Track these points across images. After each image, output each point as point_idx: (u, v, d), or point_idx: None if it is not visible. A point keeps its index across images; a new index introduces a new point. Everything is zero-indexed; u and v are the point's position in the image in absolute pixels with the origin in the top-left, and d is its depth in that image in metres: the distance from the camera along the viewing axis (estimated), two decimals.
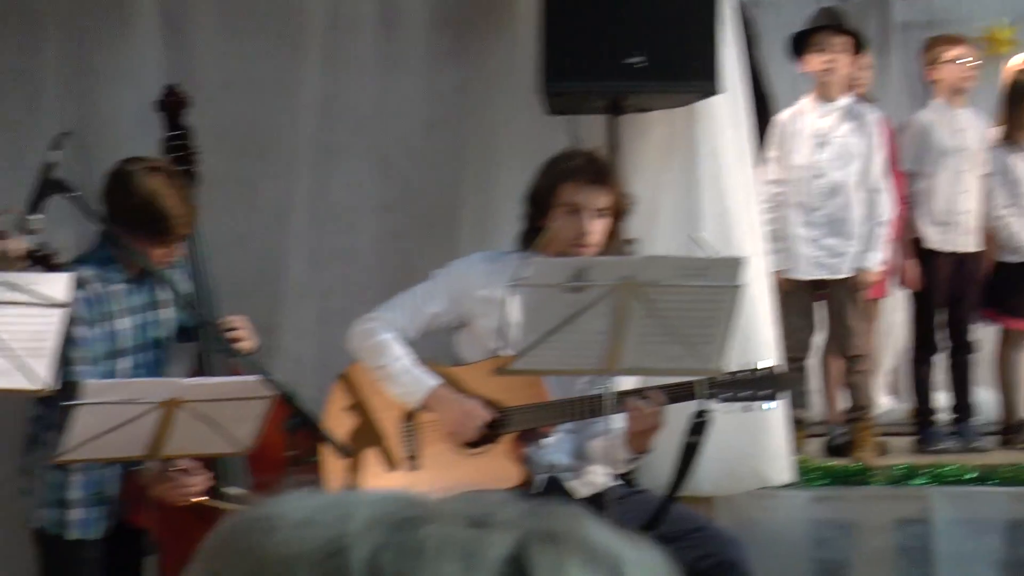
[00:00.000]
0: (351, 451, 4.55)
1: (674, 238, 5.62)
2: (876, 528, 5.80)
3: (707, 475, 5.54)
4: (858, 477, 5.97)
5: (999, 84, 7.44)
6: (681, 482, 4.45)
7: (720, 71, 5.56)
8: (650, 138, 5.85)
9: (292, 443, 4.28)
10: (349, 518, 1.16)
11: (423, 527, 1.16)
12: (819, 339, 6.95)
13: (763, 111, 6.74)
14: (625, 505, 4.42)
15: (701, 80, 5.54)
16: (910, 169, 7.07)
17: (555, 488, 4.57)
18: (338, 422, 4.73)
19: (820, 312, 6.80)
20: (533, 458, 4.57)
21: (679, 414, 4.45)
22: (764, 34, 7.98)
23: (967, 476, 5.90)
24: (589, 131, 5.75)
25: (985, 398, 7.56)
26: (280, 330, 6.02)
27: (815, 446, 6.83)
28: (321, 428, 4.36)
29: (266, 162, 6.18)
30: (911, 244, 7.07)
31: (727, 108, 5.78)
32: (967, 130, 7.08)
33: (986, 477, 5.90)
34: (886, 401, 8.71)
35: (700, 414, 4.34)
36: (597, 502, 4.38)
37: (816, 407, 7.36)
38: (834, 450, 6.78)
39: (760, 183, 6.31)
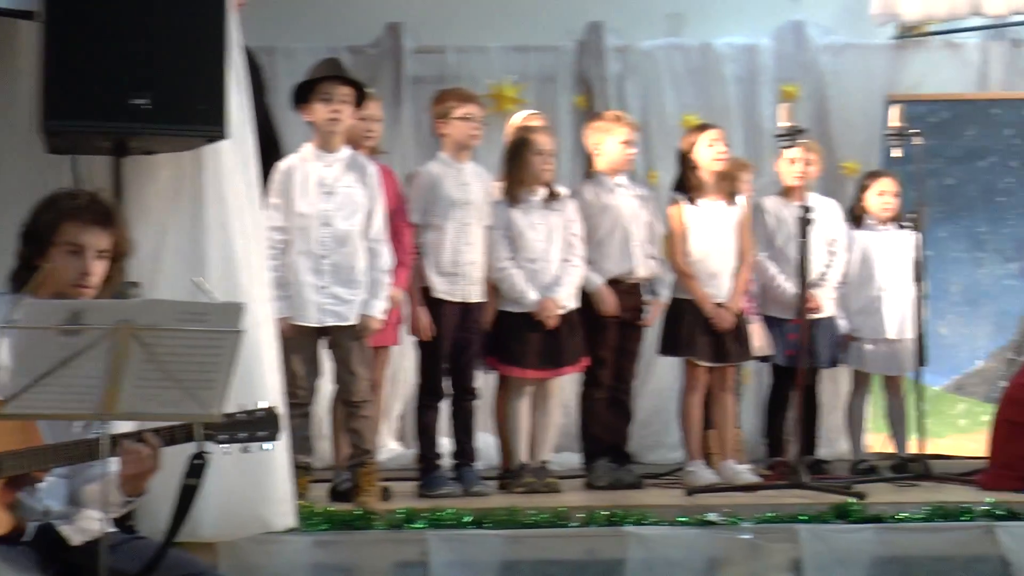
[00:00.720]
0: None
1: (179, 282, 5.55)
2: (375, 572, 5.87)
3: (209, 520, 5.50)
4: (360, 522, 6.04)
5: (503, 140, 7.73)
6: (178, 526, 4.39)
7: (227, 116, 5.55)
8: (156, 181, 5.78)
9: None
10: None
11: None
12: (325, 385, 7.02)
13: (273, 157, 6.77)
14: (120, 551, 4.33)
15: (208, 124, 5.51)
16: (418, 220, 7.23)
17: (48, 535, 4.43)
18: None
19: (326, 358, 6.87)
20: (26, 504, 4.42)
21: (179, 456, 4.39)
22: (276, 81, 8.04)
23: (464, 520, 6.04)
24: (92, 171, 5.65)
25: (486, 443, 7.80)
26: None
27: (321, 491, 6.88)
28: None
29: None
30: (420, 293, 7.23)
31: (234, 153, 5.77)
32: (472, 184, 7.30)
33: (482, 520, 6.06)
34: (393, 446, 8.88)
35: (198, 456, 4.29)
36: (91, 549, 4.28)
37: (322, 452, 7.43)
38: (339, 495, 6.85)
39: (267, 229, 6.33)
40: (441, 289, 7.23)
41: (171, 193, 5.79)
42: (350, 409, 6.76)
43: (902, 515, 6.31)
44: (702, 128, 7.83)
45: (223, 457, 4.39)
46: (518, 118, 7.90)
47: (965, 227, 9.73)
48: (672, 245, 7.71)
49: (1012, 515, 6.30)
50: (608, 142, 7.66)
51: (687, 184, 7.73)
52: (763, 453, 8.44)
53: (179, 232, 5.75)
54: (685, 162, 7.75)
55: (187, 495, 4.33)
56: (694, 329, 7.63)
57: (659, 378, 9.09)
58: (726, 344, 7.66)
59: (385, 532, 5.99)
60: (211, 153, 5.73)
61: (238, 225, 5.80)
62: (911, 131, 8.02)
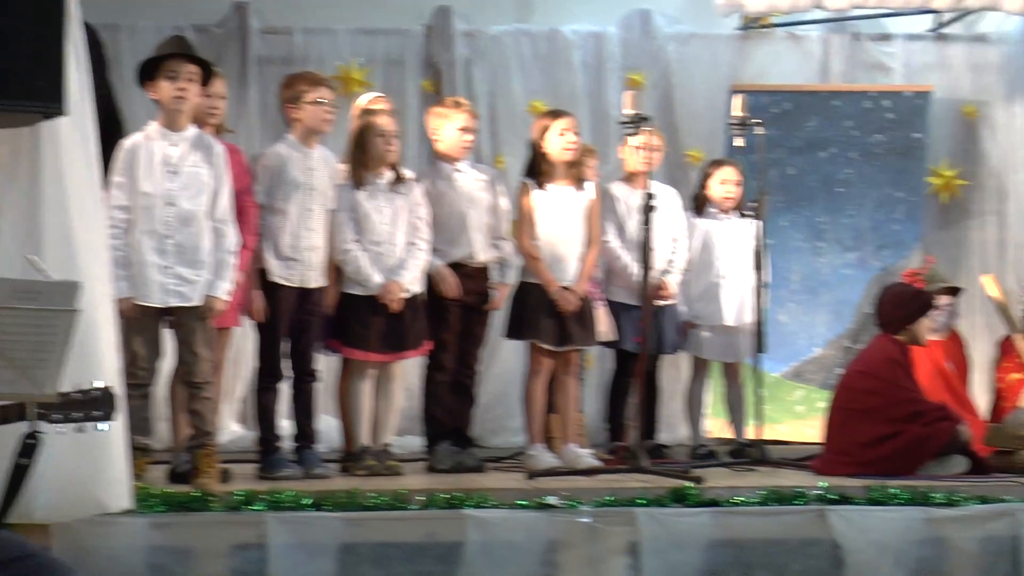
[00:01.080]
0: None
1: (14, 260, 5.46)
2: (213, 554, 5.83)
3: (42, 501, 5.43)
4: (198, 504, 5.99)
5: (348, 123, 7.71)
6: (9, 507, 4.33)
7: (66, 92, 5.47)
8: None
9: None
10: None
11: None
12: (166, 366, 6.95)
13: (115, 135, 6.69)
14: None
15: (45, 100, 5.41)
16: (263, 202, 7.18)
17: None
18: None
19: (168, 339, 6.81)
20: None
21: (12, 436, 4.33)
22: (119, 58, 7.94)
23: (304, 502, 6.02)
24: None
25: (328, 426, 7.79)
26: None
27: (159, 473, 6.82)
28: None
29: None
30: (257, 275, 7.19)
31: (74, 130, 5.69)
32: (318, 169, 7.27)
33: (322, 502, 6.05)
34: (234, 428, 8.84)
35: (31, 435, 4.23)
36: None
37: (161, 434, 7.36)
38: (178, 477, 6.80)
39: (108, 207, 6.26)
40: (278, 273, 7.19)
41: (7, 170, 5.70)
42: (192, 390, 6.71)
43: (738, 499, 6.40)
44: (555, 115, 7.85)
45: (57, 437, 4.32)
46: (363, 100, 7.88)
47: (805, 217, 9.90)
48: (520, 229, 7.74)
49: (844, 499, 6.44)
50: (446, 128, 7.68)
51: (536, 169, 7.76)
52: (605, 438, 8.52)
53: (15, 209, 5.66)
54: (535, 147, 7.78)
55: (19, 475, 4.27)
56: (539, 313, 7.67)
57: (504, 362, 9.14)
58: (571, 328, 7.71)
59: (223, 514, 5.96)
60: (49, 130, 5.64)
61: (77, 203, 5.72)
62: (753, 121, 8.12)
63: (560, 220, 7.72)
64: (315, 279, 7.24)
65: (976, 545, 6.29)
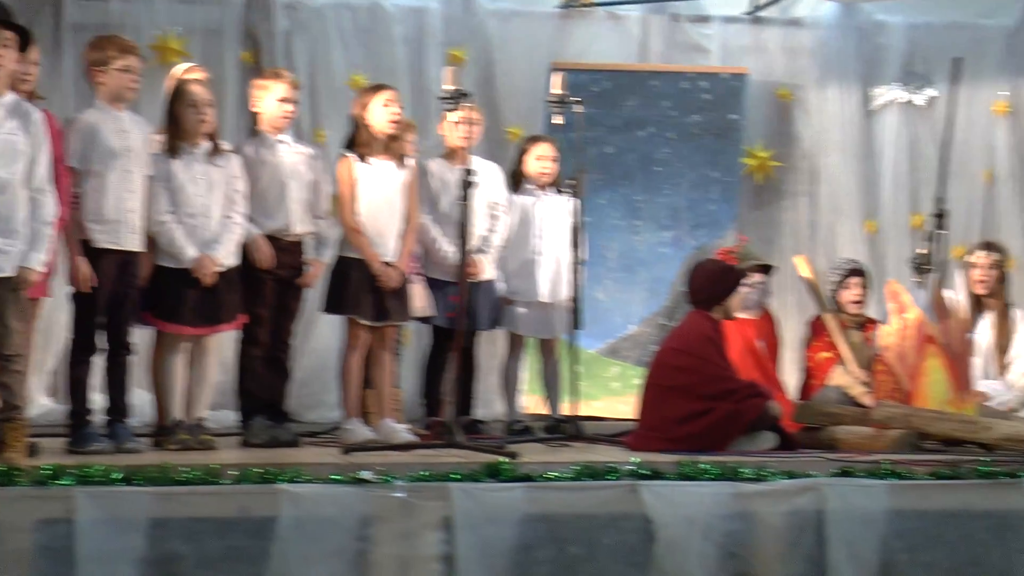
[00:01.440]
0: None
1: None
2: (18, 529, 5.70)
3: None
4: (4, 478, 5.86)
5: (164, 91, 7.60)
6: None
7: None
8: None
9: None
10: None
11: None
12: None
13: None
14: None
15: None
16: (77, 167, 7.06)
17: None
18: None
19: None
20: None
21: None
22: None
23: (113, 476, 5.93)
24: None
25: (141, 400, 7.69)
26: None
27: None
28: None
29: None
30: (79, 244, 7.07)
31: None
32: (131, 132, 7.18)
33: (132, 477, 5.96)
34: (44, 402, 8.68)
35: None
36: None
37: None
38: None
39: None
40: (101, 239, 7.09)
41: None
42: (2, 363, 6.55)
43: (551, 474, 6.44)
44: (377, 88, 7.83)
45: None
46: (178, 70, 7.79)
47: (623, 195, 10.02)
48: (341, 203, 7.71)
49: (656, 474, 6.51)
50: (267, 99, 7.64)
51: (357, 141, 7.74)
52: (421, 413, 8.53)
53: None
54: (356, 121, 7.75)
55: None
56: (359, 288, 7.65)
57: (320, 337, 9.11)
58: (388, 304, 7.71)
59: (30, 488, 5.83)
60: None
61: None
62: (572, 99, 8.17)
63: (381, 195, 7.71)
64: (136, 243, 7.15)
65: (782, 519, 6.40)
